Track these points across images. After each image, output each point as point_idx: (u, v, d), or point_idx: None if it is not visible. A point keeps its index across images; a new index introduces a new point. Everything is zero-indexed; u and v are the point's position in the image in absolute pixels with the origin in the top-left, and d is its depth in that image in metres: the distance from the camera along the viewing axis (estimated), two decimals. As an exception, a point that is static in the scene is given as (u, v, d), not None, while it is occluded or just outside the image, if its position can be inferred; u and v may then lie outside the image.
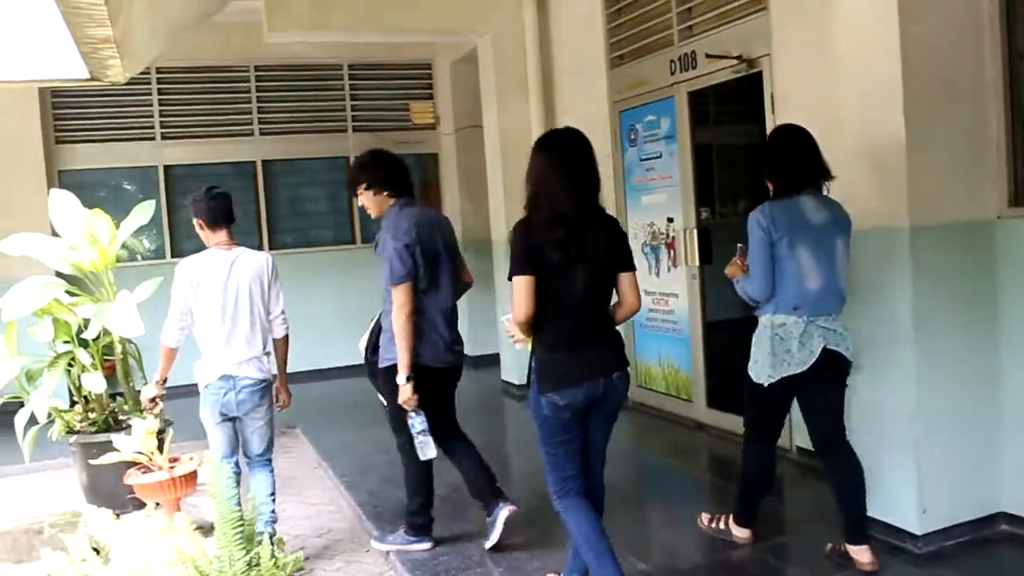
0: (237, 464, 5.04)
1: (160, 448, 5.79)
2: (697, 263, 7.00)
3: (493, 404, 9.19)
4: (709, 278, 7.01)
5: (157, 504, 5.46)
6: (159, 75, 10.60)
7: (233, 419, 5.01)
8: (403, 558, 4.93)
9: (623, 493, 6.00)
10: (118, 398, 6.62)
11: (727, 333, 7.03)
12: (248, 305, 4.96)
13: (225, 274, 4.96)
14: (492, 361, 10.04)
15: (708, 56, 6.47)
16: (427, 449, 4.84)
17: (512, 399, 9.02)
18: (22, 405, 6.43)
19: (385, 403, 5.05)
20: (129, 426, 6.02)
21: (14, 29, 5.87)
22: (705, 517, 4.97)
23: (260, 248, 10.52)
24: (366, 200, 4.99)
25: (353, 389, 10.28)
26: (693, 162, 6.99)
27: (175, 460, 5.86)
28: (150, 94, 10.66)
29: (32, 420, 6.03)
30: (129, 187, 10.89)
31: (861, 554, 4.38)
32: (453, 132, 11.52)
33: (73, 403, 6.67)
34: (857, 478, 4.39)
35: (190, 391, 8.24)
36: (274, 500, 5.15)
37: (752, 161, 6.41)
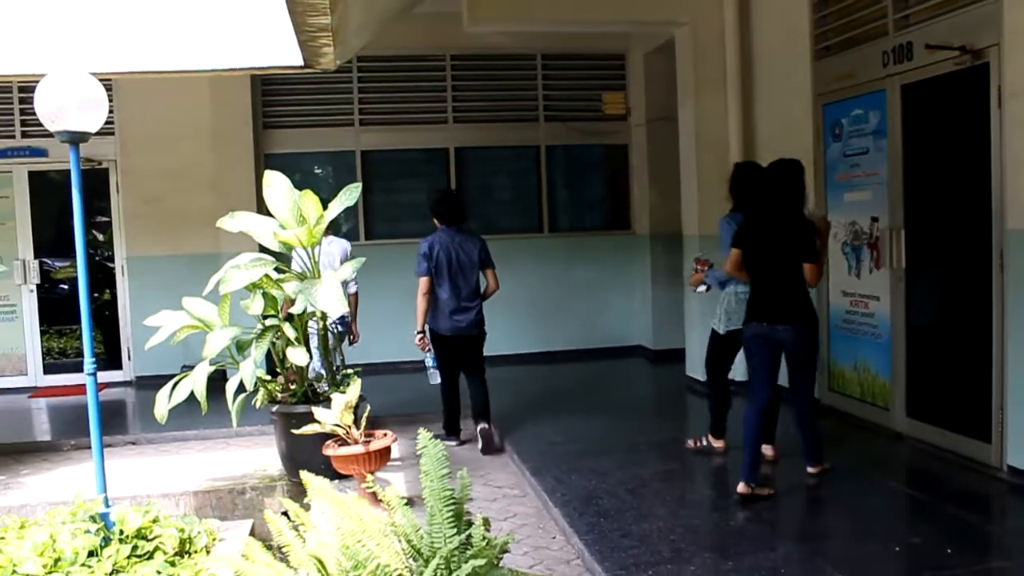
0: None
1: (356, 423, 5.97)
2: (904, 265, 6.68)
3: (675, 400, 9.08)
4: (915, 281, 6.69)
5: (363, 474, 5.59)
6: (359, 64, 10.91)
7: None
8: (592, 548, 4.89)
9: (815, 500, 5.83)
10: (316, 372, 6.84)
11: (933, 340, 6.67)
12: None
13: (325, 251, 7.37)
14: (676, 356, 9.91)
15: (928, 47, 6.14)
16: (434, 378, 7.36)
17: (696, 396, 8.80)
18: (224, 374, 6.74)
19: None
20: (327, 399, 6.21)
21: (237, 20, 6.15)
22: (690, 441, 6.89)
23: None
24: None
25: (541, 375, 10.45)
26: (903, 159, 6.68)
27: (370, 435, 6.03)
28: (351, 82, 11.00)
29: (240, 388, 6.30)
30: (319, 171, 11.32)
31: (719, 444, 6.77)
32: (644, 124, 11.38)
33: (275, 374, 6.93)
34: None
35: (383, 369, 8.55)
36: None
37: (968, 161, 6.05)
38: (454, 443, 7.40)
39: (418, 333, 7.30)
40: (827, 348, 7.68)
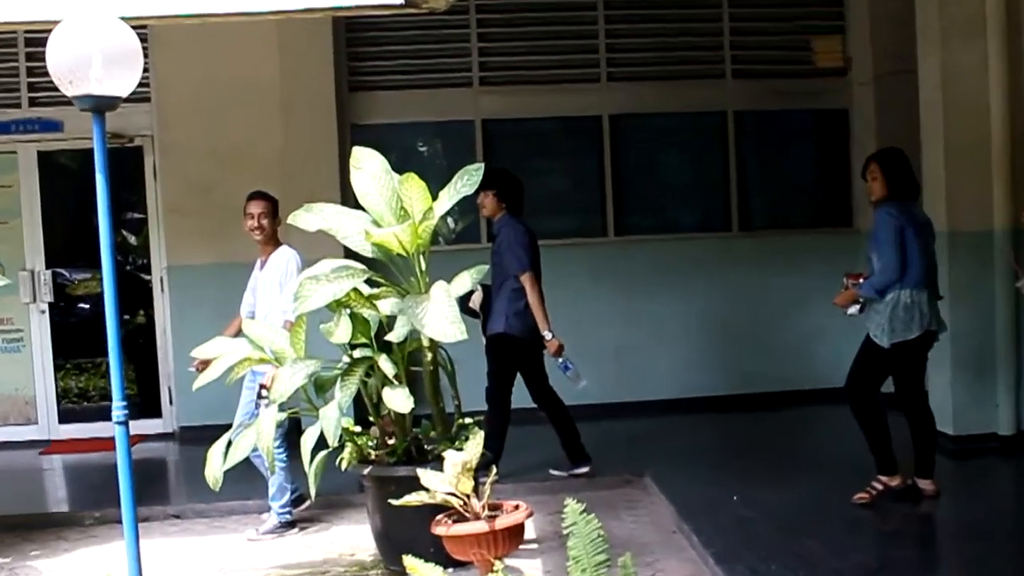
0: None
1: (477, 491, 5.95)
2: None
3: (912, 460, 8.87)
4: None
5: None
6: (479, 3, 11.05)
7: None
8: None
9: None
10: (423, 422, 6.87)
11: None
12: None
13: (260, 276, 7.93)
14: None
15: None
16: (578, 381, 8.40)
17: (943, 455, 8.23)
18: (298, 424, 6.83)
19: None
20: (438, 458, 6.22)
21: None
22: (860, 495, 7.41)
23: (606, 234, 10.88)
24: (489, 202, 8.59)
25: (729, 427, 10.43)
26: None
27: (496, 507, 6.00)
28: (467, 27, 11.14)
29: (320, 443, 6.34)
30: (425, 147, 11.49)
31: (927, 486, 7.36)
32: (870, 80, 11.25)
33: (366, 423, 6.96)
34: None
35: (514, 418, 8.56)
36: None
37: None
38: (586, 469, 8.55)
39: (550, 334, 8.32)
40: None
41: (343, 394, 6.38)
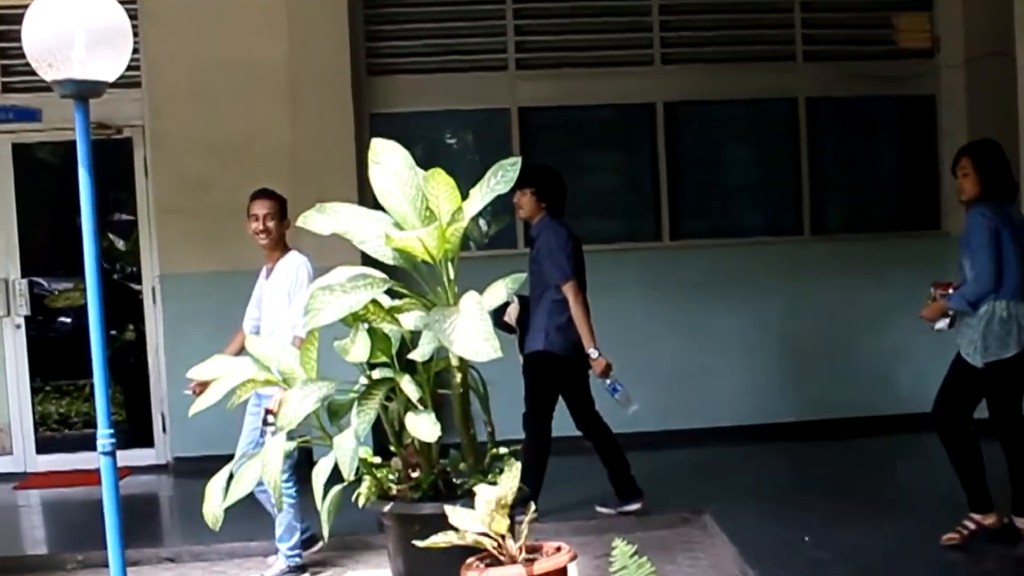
0: None
1: (513, 530, 5.95)
2: None
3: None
4: None
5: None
6: (517, -22, 11.11)
7: None
8: None
9: None
10: (452, 452, 6.87)
11: None
12: None
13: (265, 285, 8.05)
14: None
15: None
16: (628, 404, 8.43)
17: None
18: (309, 454, 6.82)
19: None
20: (468, 493, 6.21)
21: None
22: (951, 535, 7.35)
23: (660, 238, 10.86)
24: (526, 202, 8.62)
25: (798, 458, 10.49)
26: None
27: (535, 549, 5.99)
28: (502, 2, 11.18)
29: (334, 476, 6.34)
30: (454, 139, 11.51)
31: None
32: (961, 63, 11.28)
33: (387, 454, 6.97)
34: None
35: (555, 447, 8.60)
36: None
37: None
38: (638, 506, 8.57)
39: (596, 352, 8.37)
40: None
41: (360, 420, 6.33)
